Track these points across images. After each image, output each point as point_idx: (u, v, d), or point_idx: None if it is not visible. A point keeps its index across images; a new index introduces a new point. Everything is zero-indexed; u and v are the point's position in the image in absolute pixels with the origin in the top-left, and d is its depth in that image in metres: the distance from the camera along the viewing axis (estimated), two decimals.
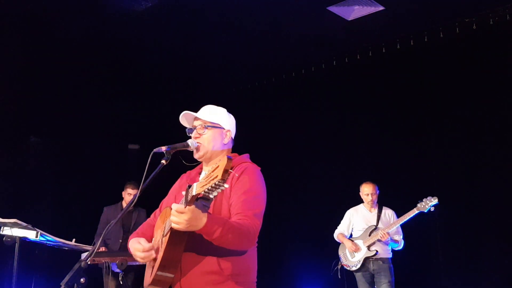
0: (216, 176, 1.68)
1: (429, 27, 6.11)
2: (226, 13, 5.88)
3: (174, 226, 1.87)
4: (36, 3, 5.48)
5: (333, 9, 5.77)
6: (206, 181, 1.74)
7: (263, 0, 5.60)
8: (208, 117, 2.32)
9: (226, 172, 1.66)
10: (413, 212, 5.09)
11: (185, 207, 1.82)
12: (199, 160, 2.34)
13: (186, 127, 2.39)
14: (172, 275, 2.05)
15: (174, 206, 1.86)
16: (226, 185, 1.71)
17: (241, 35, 6.44)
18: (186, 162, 2.42)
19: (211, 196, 1.76)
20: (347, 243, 5.38)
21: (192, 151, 2.31)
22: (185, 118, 2.36)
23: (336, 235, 5.58)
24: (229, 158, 1.67)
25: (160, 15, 5.90)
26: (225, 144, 2.34)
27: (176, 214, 1.84)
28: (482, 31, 5.79)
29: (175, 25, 6.15)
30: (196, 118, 2.33)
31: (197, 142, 2.28)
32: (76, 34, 6.17)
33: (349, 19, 5.98)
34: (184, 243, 2.03)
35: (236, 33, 6.38)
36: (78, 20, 5.90)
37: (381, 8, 5.72)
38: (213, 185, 1.70)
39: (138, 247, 2.14)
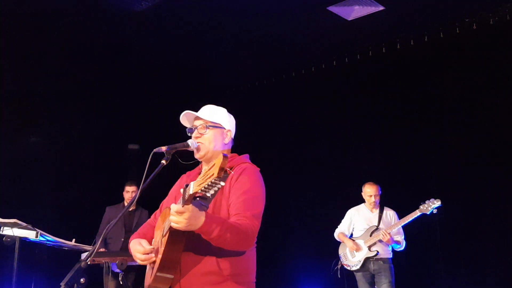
0: (212, 174, 1.67)
1: (429, 27, 6.11)
2: (226, 13, 5.88)
3: (173, 225, 1.87)
4: (36, 2, 5.48)
5: (333, 9, 5.77)
6: (202, 179, 1.74)
7: (263, 0, 5.60)
8: (209, 116, 2.31)
9: (222, 170, 1.66)
10: (415, 213, 5.07)
11: (182, 206, 1.82)
12: (199, 160, 2.33)
13: (186, 127, 2.38)
14: (171, 276, 2.05)
15: (173, 206, 1.86)
16: (222, 183, 1.70)
17: (241, 35, 6.44)
18: (185, 162, 2.41)
19: (208, 194, 1.75)
20: (348, 243, 5.37)
21: (192, 151, 2.31)
22: (185, 117, 2.35)
23: (337, 234, 5.56)
24: (224, 156, 1.66)
25: (160, 15, 5.89)
26: (225, 144, 2.34)
27: (174, 214, 1.83)
28: (482, 31, 5.79)
29: (175, 25, 6.15)
30: (196, 118, 2.32)
31: (198, 142, 2.27)
32: (75, 34, 6.17)
33: (349, 19, 5.98)
34: (183, 243, 2.03)
35: (236, 33, 6.37)
36: (77, 19, 5.90)
37: (381, 8, 5.72)
38: (209, 183, 1.70)
39: (139, 248, 2.15)
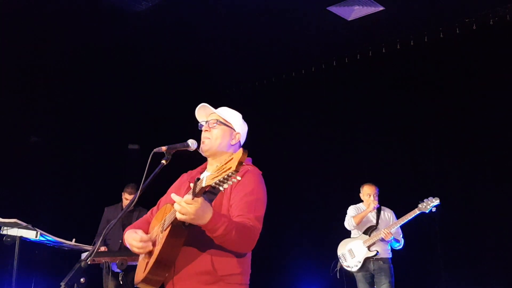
0: (230, 168, 1.64)
1: (429, 27, 6.11)
2: (226, 13, 5.88)
3: (180, 216, 1.83)
4: (36, 3, 5.48)
5: (333, 9, 5.78)
6: (217, 173, 1.70)
7: (263, 0, 5.61)
8: (223, 114, 2.36)
9: (240, 164, 1.63)
10: (414, 212, 5.07)
11: (192, 199, 1.80)
12: (203, 154, 2.34)
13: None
14: (165, 274, 2.03)
15: (176, 197, 1.83)
16: (238, 177, 1.68)
17: (241, 35, 6.44)
18: (187, 163, 2.42)
19: (221, 188, 1.71)
20: (366, 209, 5.25)
21: (193, 152, 2.31)
22: (200, 111, 2.39)
23: (351, 220, 5.36)
24: (244, 150, 1.65)
25: (160, 15, 5.90)
26: (231, 145, 2.34)
27: (183, 205, 1.81)
28: (482, 31, 5.79)
29: (175, 25, 6.15)
30: (212, 113, 2.36)
31: (205, 136, 2.30)
32: (76, 34, 6.17)
33: (349, 19, 5.98)
34: (183, 240, 2.00)
35: (236, 32, 6.37)
36: (77, 20, 5.90)
37: (381, 8, 5.72)
38: (225, 176, 1.66)
39: (135, 236, 2.12)
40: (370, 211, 5.28)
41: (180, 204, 1.82)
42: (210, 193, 1.81)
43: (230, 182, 1.69)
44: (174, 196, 1.86)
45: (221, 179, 1.67)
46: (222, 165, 1.69)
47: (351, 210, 5.53)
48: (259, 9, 5.78)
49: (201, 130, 2.35)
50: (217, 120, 2.32)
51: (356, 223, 5.35)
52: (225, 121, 2.33)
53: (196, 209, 1.80)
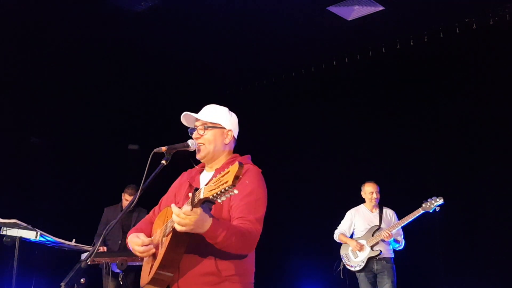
0: (226, 182, 1.67)
1: (429, 27, 6.11)
2: (225, 14, 5.88)
3: (179, 228, 1.85)
4: (36, 3, 5.48)
5: (333, 9, 5.78)
6: (215, 185, 1.72)
7: (263, 0, 5.60)
8: (208, 117, 2.30)
9: (237, 178, 1.66)
10: (418, 212, 5.05)
11: (191, 210, 1.81)
12: (201, 160, 2.34)
13: (188, 127, 2.37)
14: (171, 275, 2.05)
15: (175, 208, 1.84)
16: (235, 191, 1.70)
17: (241, 35, 6.44)
18: (187, 164, 2.42)
19: (219, 200, 1.74)
20: (351, 243, 5.33)
21: (193, 151, 2.30)
22: (186, 118, 2.35)
23: (337, 235, 5.51)
24: (240, 165, 1.66)
25: (160, 15, 5.90)
26: (226, 144, 2.32)
27: (182, 216, 1.82)
28: (482, 31, 5.79)
29: (175, 25, 6.15)
30: (197, 119, 2.32)
31: (198, 143, 2.27)
32: (75, 34, 6.17)
33: (349, 19, 5.98)
34: (185, 245, 2.02)
35: (236, 33, 6.37)
36: (77, 20, 5.90)
37: (381, 8, 5.72)
38: (222, 190, 1.69)
39: (137, 241, 2.14)
40: (354, 248, 5.29)
41: (179, 216, 1.83)
42: (209, 202, 1.81)
43: (227, 195, 1.71)
44: (173, 208, 1.86)
45: (219, 192, 1.70)
46: (219, 178, 1.72)
47: (347, 218, 5.52)
48: (259, 9, 5.78)
49: (191, 136, 2.32)
50: (204, 125, 2.28)
51: (339, 241, 5.48)
52: (212, 124, 2.29)
53: (195, 220, 1.82)
